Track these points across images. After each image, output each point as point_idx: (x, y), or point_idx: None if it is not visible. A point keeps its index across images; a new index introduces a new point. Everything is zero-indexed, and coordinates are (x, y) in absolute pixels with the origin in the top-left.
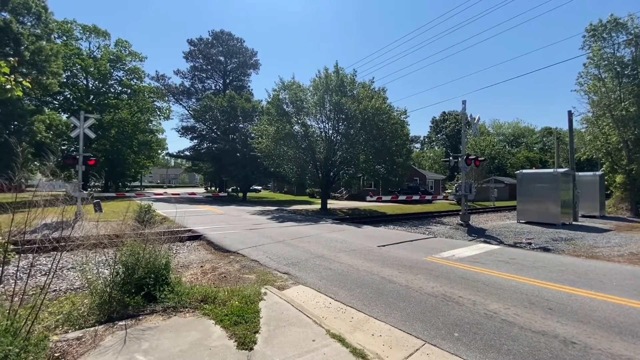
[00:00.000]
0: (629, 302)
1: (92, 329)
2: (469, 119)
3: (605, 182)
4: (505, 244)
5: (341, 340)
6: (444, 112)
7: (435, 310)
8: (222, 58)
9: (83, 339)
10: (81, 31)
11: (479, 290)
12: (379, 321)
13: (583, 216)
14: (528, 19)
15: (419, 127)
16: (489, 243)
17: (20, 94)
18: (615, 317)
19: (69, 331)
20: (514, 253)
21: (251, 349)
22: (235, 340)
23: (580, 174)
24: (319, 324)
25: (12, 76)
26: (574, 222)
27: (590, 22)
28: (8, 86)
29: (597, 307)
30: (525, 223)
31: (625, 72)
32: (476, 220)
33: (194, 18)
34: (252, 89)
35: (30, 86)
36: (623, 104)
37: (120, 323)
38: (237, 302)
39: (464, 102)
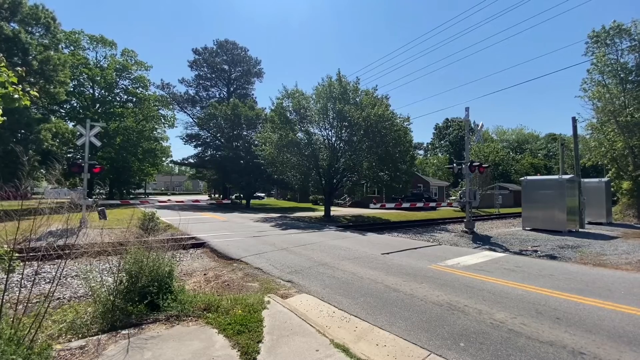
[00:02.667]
0: (638, 311)
1: (95, 337)
2: (472, 125)
3: (612, 189)
4: (511, 251)
5: (345, 350)
6: (447, 119)
7: (440, 319)
8: (226, 67)
9: (86, 348)
10: (88, 41)
11: (484, 299)
12: (384, 331)
13: (589, 223)
14: (531, 26)
15: (422, 133)
16: (494, 251)
17: (28, 103)
18: (625, 326)
19: (72, 340)
20: (520, 261)
21: (254, 359)
22: (238, 350)
23: (586, 180)
24: (323, 333)
25: (20, 86)
26: (580, 229)
27: (593, 28)
28: (16, 96)
29: (605, 317)
30: (531, 230)
31: (630, 78)
32: (481, 228)
33: (199, 28)
34: (255, 97)
35: (37, 96)
36: (628, 109)
37: (124, 332)
38: (240, 311)
39: (467, 109)
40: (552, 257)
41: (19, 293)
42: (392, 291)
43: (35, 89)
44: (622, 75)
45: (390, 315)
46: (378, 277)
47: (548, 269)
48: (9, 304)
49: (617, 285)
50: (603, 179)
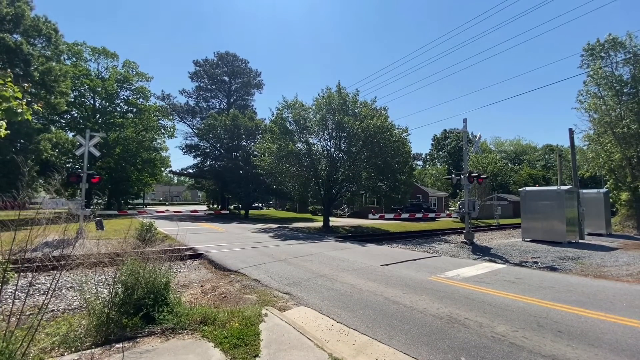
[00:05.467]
0: None
1: (88, 351)
2: (470, 136)
3: (610, 200)
4: (511, 263)
5: None
6: (445, 130)
7: (440, 332)
8: (226, 78)
9: None
10: (90, 53)
11: (485, 311)
12: (383, 344)
13: (589, 234)
14: (530, 38)
15: (420, 144)
16: (494, 262)
17: (30, 117)
18: (627, 339)
19: (65, 354)
20: (520, 272)
21: None
22: None
23: (585, 191)
24: (321, 347)
25: (24, 100)
26: (580, 241)
27: (588, 41)
28: (19, 110)
29: (607, 329)
30: (531, 241)
31: (625, 90)
32: (480, 238)
33: (200, 39)
34: (255, 108)
35: (41, 109)
36: (624, 121)
37: (118, 345)
38: (237, 324)
39: (464, 120)
40: (553, 269)
41: (12, 305)
42: (392, 303)
43: (39, 104)
44: (617, 88)
45: (390, 328)
46: (377, 289)
47: (549, 281)
48: (1, 316)
49: (618, 298)
50: (601, 190)
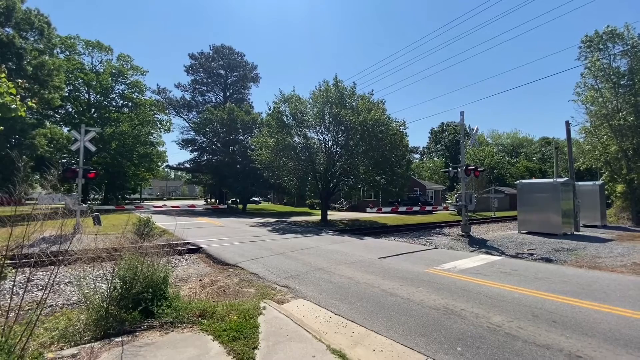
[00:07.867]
0: (633, 313)
1: (87, 345)
2: (467, 129)
3: (606, 192)
4: (507, 254)
5: (342, 356)
6: (443, 123)
7: (437, 323)
8: (222, 71)
9: (78, 356)
10: (84, 46)
11: (481, 302)
12: (380, 335)
13: (584, 226)
14: (526, 31)
15: (418, 137)
16: (491, 254)
17: (24, 114)
18: (621, 329)
19: (64, 348)
20: (516, 264)
21: None
22: (234, 357)
23: (580, 183)
24: (319, 339)
25: (18, 96)
26: (575, 232)
27: (586, 33)
28: (13, 106)
29: (601, 319)
30: (527, 233)
31: (622, 82)
32: (477, 231)
33: (196, 32)
34: (252, 102)
35: (35, 107)
36: (620, 113)
37: (117, 339)
38: (235, 317)
39: (462, 113)
40: (548, 260)
41: (11, 300)
42: (389, 295)
43: (34, 101)
44: (614, 80)
45: (387, 319)
46: (375, 281)
47: (544, 272)
48: (0, 312)
49: (612, 288)
50: (597, 182)
